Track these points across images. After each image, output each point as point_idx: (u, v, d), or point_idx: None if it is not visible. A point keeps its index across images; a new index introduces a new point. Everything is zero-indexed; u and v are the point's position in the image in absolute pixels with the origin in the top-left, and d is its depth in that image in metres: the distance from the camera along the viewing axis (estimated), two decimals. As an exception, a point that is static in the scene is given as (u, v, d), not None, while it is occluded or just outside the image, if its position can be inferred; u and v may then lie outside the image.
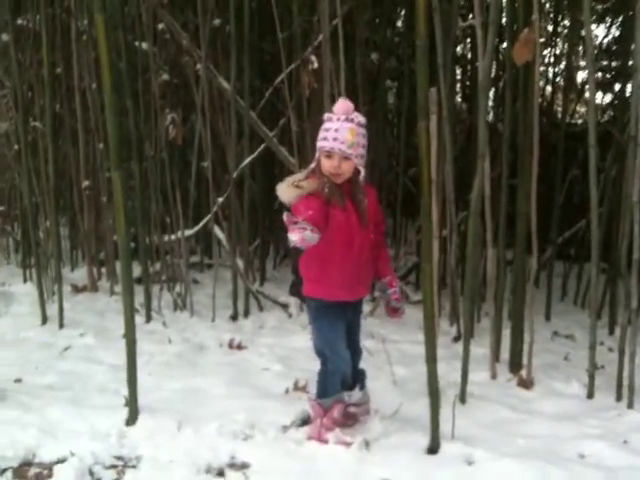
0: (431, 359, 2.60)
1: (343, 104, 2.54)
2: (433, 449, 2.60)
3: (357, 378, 2.88)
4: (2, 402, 3.00)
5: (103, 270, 5.80)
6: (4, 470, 2.49)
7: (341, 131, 2.47)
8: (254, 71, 5.22)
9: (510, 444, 2.67)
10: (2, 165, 6.06)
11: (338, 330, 2.69)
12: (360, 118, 2.53)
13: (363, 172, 2.56)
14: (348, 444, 2.64)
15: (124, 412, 2.87)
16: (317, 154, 2.55)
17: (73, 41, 5.20)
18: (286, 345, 4.05)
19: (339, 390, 2.73)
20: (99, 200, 5.57)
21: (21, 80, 4.85)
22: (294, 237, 2.22)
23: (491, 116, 6.33)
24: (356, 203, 2.59)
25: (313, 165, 2.58)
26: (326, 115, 2.57)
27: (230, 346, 4.06)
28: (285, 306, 4.83)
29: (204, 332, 4.36)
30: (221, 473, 2.50)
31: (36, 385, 3.30)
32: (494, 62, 5.62)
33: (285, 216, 2.27)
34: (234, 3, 4.42)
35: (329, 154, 2.50)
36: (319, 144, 2.54)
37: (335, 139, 2.47)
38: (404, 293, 5.23)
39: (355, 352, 2.83)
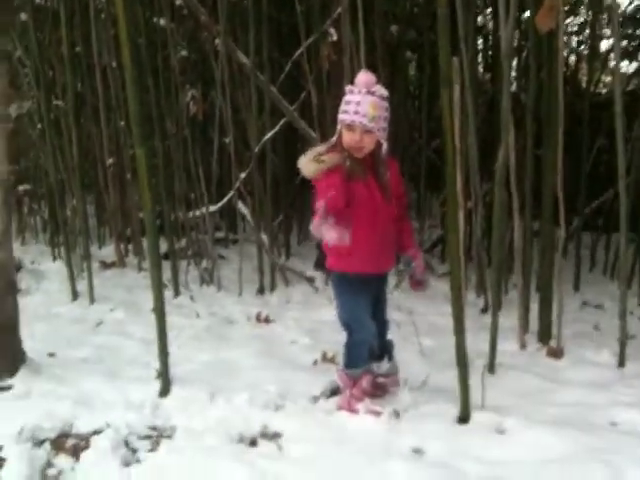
0: (459, 329, 2.60)
1: (364, 76, 2.49)
2: (463, 418, 2.61)
3: (385, 349, 2.89)
4: (37, 376, 3.06)
5: (130, 247, 5.86)
6: (42, 441, 2.55)
7: (362, 104, 2.43)
8: (273, 45, 5.19)
9: (541, 413, 2.66)
10: (27, 144, 6.13)
11: (362, 303, 2.69)
12: (382, 91, 2.49)
13: (385, 145, 2.53)
14: (378, 414, 2.66)
15: (156, 384, 2.93)
16: (338, 127, 2.52)
17: (92, 19, 5.20)
18: (313, 318, 4.07)
19: (366, 361, 2.75)
20: (124, 177, 5.61)
21: (42, 59, 4.89)
22: (331, 237, 2.30)
23: (514, 86, 6.24)
24: (378, 177, 2.57)
25: (334, 138, 2.54)
26: (347, 87, 2.52)
27: (258, 320, 4.10)
28: (311, 280, 4.85)
29: (231, 306, 4.42)
30: (254, 442, 2.54)
31: (70, 359, 3.37)
32: (516, 31, 5.53)
33: (317, 210, 2.27)
34: (252, -24, 4.39)
35: (350, 127, 2.46)
36: (340, 117, 2.50)
37: (356, 112, 2.43)
38: (429, 266, 5.23)
39: (382, 324, 2.85)
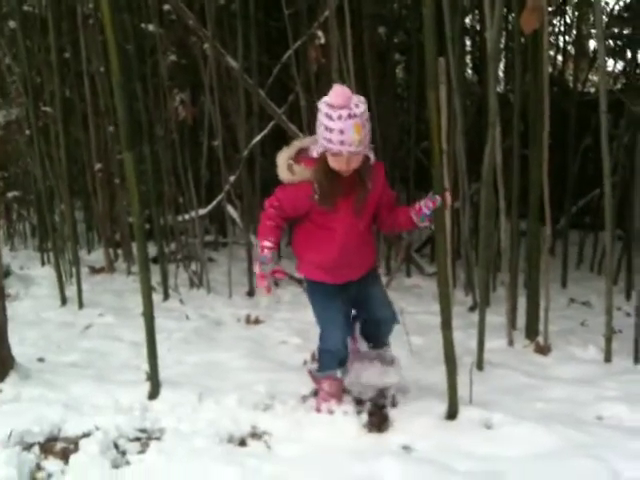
0: (446, 325, 2.61)
1: (340, 95, 2.27)
2: (451, 414, 2.62)
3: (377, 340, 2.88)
4: (26, 380, 3.05)
5: (119, 251, 5.86)
6: (31, 445, 2.54)
7: (346, 132, 2.26)
8: (261, 48, 5.21)
9: (529, 408, 2.69)
10: (15, 151, 6.12)
11: (331, 309, 2.66)
12: (360, 106, 2.29)
13: (372, 157, 2.42)
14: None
15: (146, 387, 2.92)
16: (321, 149, 2.35)
17: (80, 25, 5.21)
18: (302, 319, 4.07)
19: (333, 367, 2.70)
20: (112, 182, 5.61)
21: (30, 66, 4.89)
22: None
23: (502, 87, 6.28)
24: (357, 195, 2.47)
25: (315, 155, 2.38)
26: (325, 106, 2.30)
27: (247, 321, 4.11)
28: (300, 281, 4.84)
29: (221, 308, 4.43)
30: (243, 442, 2.55)
31: (59, 363, 3.36)
32: (504, 32, 5.57)
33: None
34: (239, -20, 4.41)
35: (336, 155, 2.34)
36: (324, 144, 2.32)
37: (342, 142, 2.28)
38: (418, 266, 5.25)
39: (376, 322, 2.83)
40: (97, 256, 5.90)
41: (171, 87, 4.98)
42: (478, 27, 6.62)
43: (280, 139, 5.77)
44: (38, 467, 2.42)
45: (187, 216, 5.14)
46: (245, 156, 4.76)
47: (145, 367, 2.98)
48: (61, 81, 4.86)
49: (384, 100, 5.43)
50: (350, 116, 2.26)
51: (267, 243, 2.51)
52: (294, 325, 3.97)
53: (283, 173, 2.46)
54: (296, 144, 2.52)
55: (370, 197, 2.51)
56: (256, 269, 2.55)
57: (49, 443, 2.57)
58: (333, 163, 2.37)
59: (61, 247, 5.09)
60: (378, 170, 2.54)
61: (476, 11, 6.65)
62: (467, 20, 6.69)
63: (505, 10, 5.16)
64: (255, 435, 2.59)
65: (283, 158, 2.47)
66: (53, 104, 5.17)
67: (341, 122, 2.26)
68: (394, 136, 5.97)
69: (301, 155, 2.47)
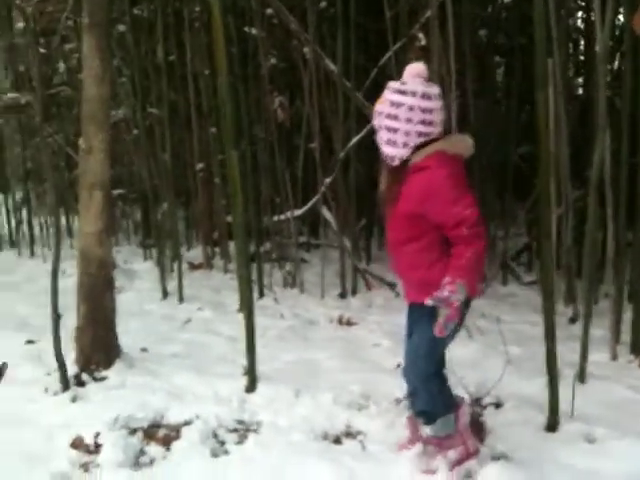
0: (550, 336, 2.54)
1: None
2: (552, 426, 2.56)
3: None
4: (131, 369, 3.21)
5: (217, 249, 6.04)
6: (135, 430, 2.67)
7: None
8: (359, 51, 5.22)
9: (633, 423, 2.57)
10: (121, 150, 6.40)
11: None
12: (400, 85, 2.20)
13: (397, 151, 2.16)
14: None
15: (243, 380, 3.01)
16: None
17: (186, 28, 5.40)
18: (395, 322, 4.05)
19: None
20: (212, 182, 5.78)
21: (139, 68, 5.12)
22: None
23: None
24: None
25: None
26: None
27: (340, 322, 4.15)
28: (392, 285, 4.84)
29: (314, 308, 4.49)
30: (338, 440, 2.58)
31: (161, 354, 3.51)
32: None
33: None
34: (341, -16, 4.45)
35: None
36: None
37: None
38: (515, 274, 5.11)
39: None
40: (195, 253, 6.10)
41: (271, 90, 5.10)
42: (582, 28, 6.41)
43: (375, 142, 5.79)
44: (141, 451, 2.53)
45: (282, 216, 5.24)
46: (341, 158, 4.79)
47: (241, 361, 3.08)
48: (168, 83, 5.07)
49: (482, 103, 5.33)
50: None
51: None
52: (386, 328, 3.96)
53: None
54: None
55: (399, 204, 2.16)
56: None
57: (152, 429, 2.70)
58: None
59: (163, 243, 5.30)
60: (419, 179, 2.11)
61: (579, 13, 6.43)
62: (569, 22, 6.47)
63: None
64: (350, 434, 2.62)
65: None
66: (159, 105, 5.40)
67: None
68: (492, 140, 5.84)
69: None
